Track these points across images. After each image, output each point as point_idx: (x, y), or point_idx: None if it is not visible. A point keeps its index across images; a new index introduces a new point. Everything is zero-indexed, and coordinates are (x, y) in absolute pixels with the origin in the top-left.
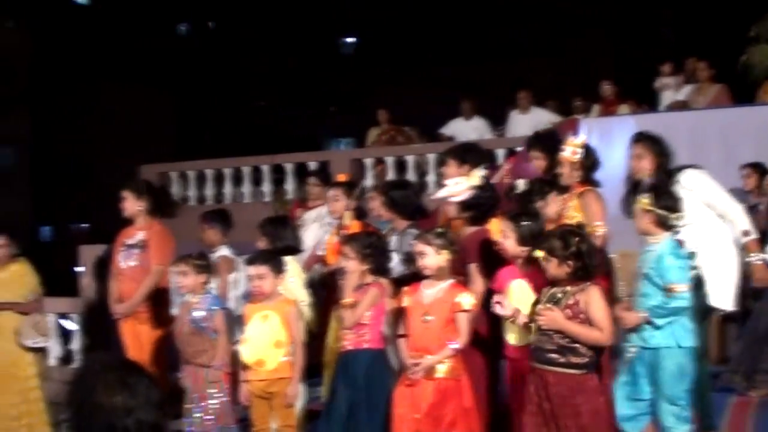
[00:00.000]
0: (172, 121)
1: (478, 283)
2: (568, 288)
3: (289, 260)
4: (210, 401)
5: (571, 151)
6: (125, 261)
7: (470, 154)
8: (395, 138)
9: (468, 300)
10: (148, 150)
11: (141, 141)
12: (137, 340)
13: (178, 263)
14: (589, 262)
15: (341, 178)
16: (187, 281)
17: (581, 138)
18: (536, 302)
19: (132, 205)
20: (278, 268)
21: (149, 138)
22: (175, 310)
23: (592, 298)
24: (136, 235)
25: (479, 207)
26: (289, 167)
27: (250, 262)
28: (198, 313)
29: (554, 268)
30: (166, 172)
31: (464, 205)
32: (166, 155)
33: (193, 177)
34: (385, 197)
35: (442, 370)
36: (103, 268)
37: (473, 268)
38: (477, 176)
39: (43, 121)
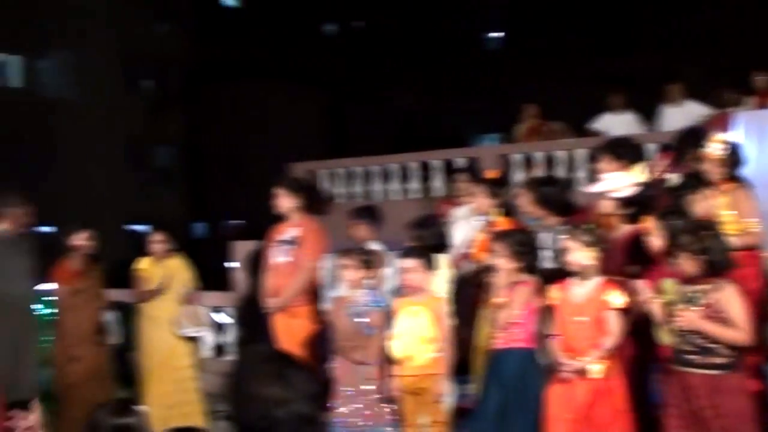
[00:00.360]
0: (321, 119)
1: (639, 285)
2: (703, 286)
3: (436, 257)
4: (364, 397)
5: (715, 147)
6: (278, 257)
7: (625, 149)
8: (543, 133)
9: (618, 298)
10: (298, 148)
11: (291, 139)
12: (289, 333)
13: (342, 257)
14: (719, 258)
15: (490, 174)
16: (348, 275)
17: (726, 134)
18: (668, 301)
19: (286, 202)
20: (429, 264)
21: (299, 136)
22: (326, 305)
23: (730, 297)
24: (289, 231)
25: (640, 204)
26: (436, 164)
27: (403, 255)
28: (357, 309)
29: (686, 263)
30: (315, 170)
31: (626, 202)
32: (315, 153)
33: (342, 175)
34: (534, 194)
35: (596, 370)
36: (255, 263)
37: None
38: (640, 172)
39: (196, 121)
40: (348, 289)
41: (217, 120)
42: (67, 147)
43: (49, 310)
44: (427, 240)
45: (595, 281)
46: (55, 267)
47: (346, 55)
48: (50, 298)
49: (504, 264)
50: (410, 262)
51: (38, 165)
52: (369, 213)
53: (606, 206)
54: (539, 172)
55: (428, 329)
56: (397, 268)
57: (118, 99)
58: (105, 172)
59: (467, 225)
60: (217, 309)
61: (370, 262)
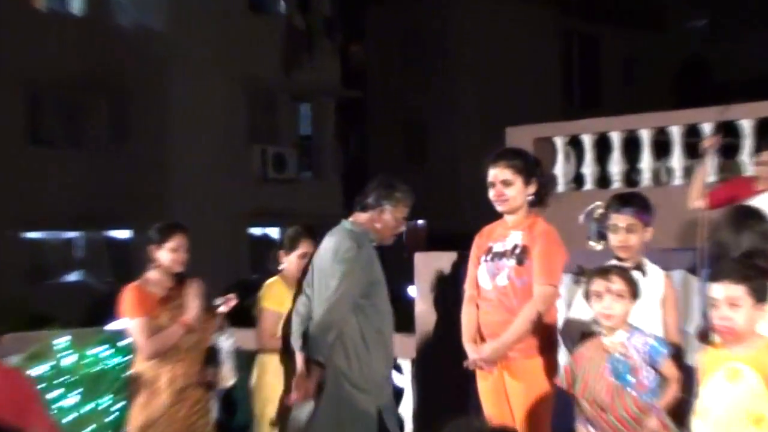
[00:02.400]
0: (554, 58)
1: None
2: None
3: None
4: None
5: None
6: (493, 277)
7: None
8: None
9: None
10: (520, 102)
11: (506, 87)
12: (520, 399)
13: (602, 277)
14: None
15: None
16: (605, 308)
17: None
18: None
19: (514, 189)
20: (761, 292)
21: (521, 82)
22: (562, 357)
23: None
24: (511, 237)
25: None
26: (746, 125)
27: (716, 278)
28: (621, 362)
29: None
30: (548, 137)
31: None
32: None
33: (588, 144)
34: None
35: None
36: (443, 286)
37: None
38: None
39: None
40: (604, 329)
41: (388, 58)
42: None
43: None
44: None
45: None
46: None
47: None
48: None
49: None
50: (730, 290)
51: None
52: (643, 204)
53: None
54: None
55: (759, 402)
56: (700, 299)
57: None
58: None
59: None
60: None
61: (636, 286)
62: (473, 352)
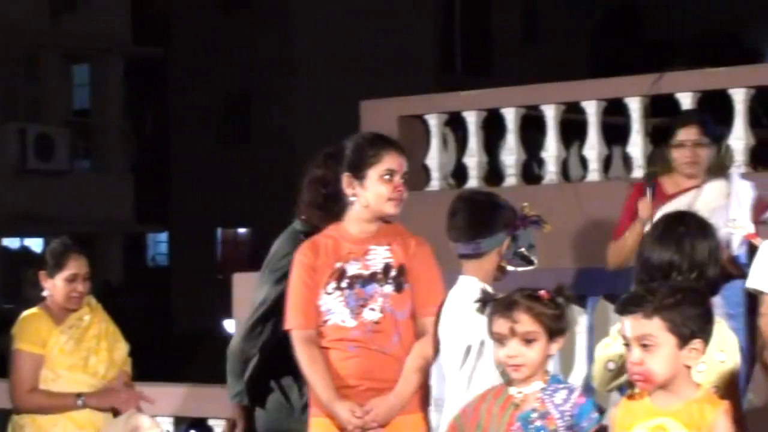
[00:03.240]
0: (428, 11)
1: None
2: None
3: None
4: None
5: None
6: (358, 310)
7: None
8: None
9: None
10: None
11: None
12: None
13: (505, 316)
14: None
15: None
16: (521, 353)
17: None
18: None
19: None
20: (687, 327)
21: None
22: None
23: None
24: (372, 253)
25: None
26: (685, 100)
27: (623, 310)
28: (538, 419)
29: None
30: (418, 116)
31: None
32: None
33: (473, 124)
34: None
35: None
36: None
37: None
38: None
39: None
40: (503, 373)
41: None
42: None
43: None
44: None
45: None
46: None
47: None
48: None
49: None
50: (642, 326)
51: None
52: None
53: None
54: None
55: None
56: (612, 336)
57: None
58: None
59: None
60: (179, 421)
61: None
62: (351, 415)
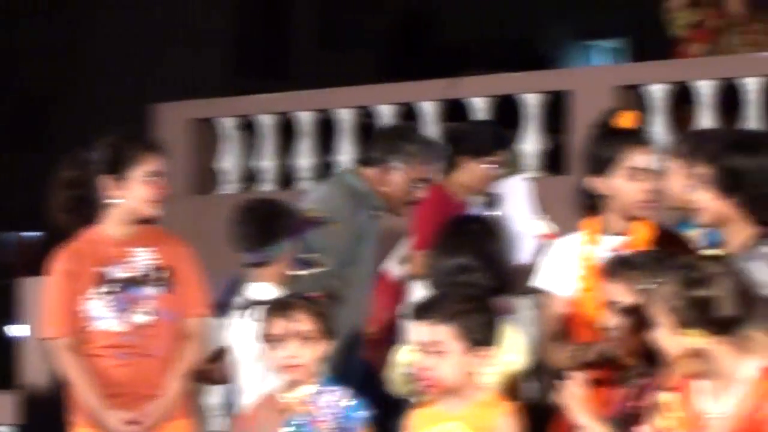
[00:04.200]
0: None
1: None
2: None
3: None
4: None
5: None
6: (125, 314)
7: None
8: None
9: None
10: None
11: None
12: None
13: (283, 316)
14: None
15: (625, 121)
16: (300, 354)
17: None
18: None
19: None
20: (477, 333)
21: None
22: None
23: None
24: (136, 256)
25: None
26: (479, 104)
27: (415, 316)
28: (308, 424)
29: None
30: (209, 118)
31: None
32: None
33: (270, 128)
34: (720, 170)
35: None
36: None
37: None
38: None
39: None
40: (283, 380)
41: None
42: None
43: None
44: (480, 274)
45: None
46: None
47: None
48: None
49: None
50: (431, 332)
51: None
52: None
53: None
54: (708, 120)
55: None
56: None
57: None
58: None
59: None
60: None
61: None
62: (120, 424)
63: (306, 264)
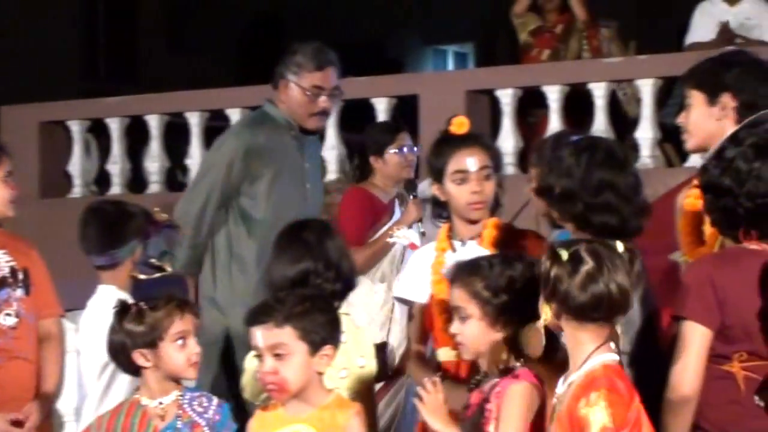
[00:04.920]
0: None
1: None
2: None
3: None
4: None
5: None
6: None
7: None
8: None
9: None
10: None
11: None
12: None
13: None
14: None
15: (455, 127)
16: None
17: None
18: None
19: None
20: (318, 334)
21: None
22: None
23: None
24: None
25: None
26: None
27: (252, 320)
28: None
29: None
30: (59, 122)
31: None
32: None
33: (117, 132)
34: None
35: None
36: None
37: None
38: None
39: None
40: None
41: None
42: None
43: None
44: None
45: None
46: None
47: None
48: None
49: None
50: (271, 336)
51: None
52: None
53: None
54: (556, 124)
55: None
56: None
57: None
58: None
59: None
60: None
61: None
62: (7, 425)
63: (154, 268)
